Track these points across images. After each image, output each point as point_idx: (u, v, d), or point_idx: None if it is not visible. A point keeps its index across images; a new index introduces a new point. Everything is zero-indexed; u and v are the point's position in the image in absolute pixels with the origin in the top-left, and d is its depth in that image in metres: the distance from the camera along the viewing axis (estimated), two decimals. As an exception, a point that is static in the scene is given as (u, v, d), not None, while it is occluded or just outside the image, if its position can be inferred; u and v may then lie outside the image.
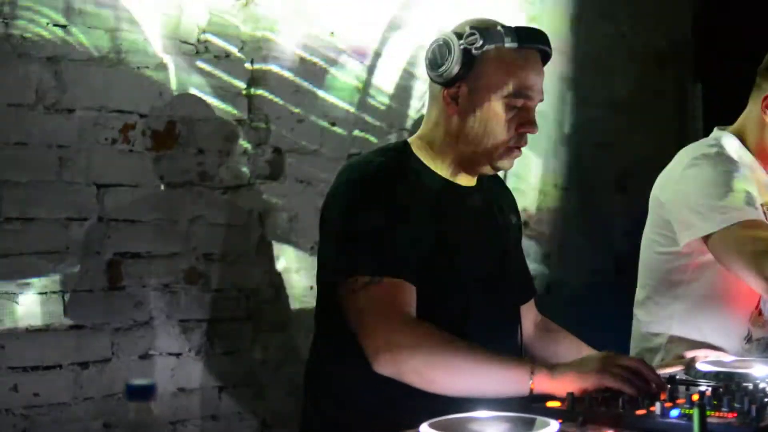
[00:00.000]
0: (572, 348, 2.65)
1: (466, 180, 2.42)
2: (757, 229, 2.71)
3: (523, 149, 2.38)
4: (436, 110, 2.38)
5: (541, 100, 2.36)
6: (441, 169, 2.38)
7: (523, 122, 2.32)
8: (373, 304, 2.16)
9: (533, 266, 4.45)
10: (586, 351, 2.61)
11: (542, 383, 2.10)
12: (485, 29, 2.29)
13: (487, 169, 2.39)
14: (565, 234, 4.69)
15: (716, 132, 2.98)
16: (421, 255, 2.24)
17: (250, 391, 3.46)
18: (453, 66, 2.27)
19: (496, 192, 2.56)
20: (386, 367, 2.14)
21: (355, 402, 2.27)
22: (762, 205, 2.83)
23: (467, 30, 2.29)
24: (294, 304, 3.54)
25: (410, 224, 2.23)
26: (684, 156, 2.94)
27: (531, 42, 2.32)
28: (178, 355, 3.27)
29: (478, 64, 2.28)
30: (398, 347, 2.13)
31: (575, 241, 4.72)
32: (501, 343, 2.36)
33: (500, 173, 2.55)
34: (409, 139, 2.44)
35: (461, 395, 2.10)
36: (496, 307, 2.42)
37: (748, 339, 2.93)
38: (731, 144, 2.90)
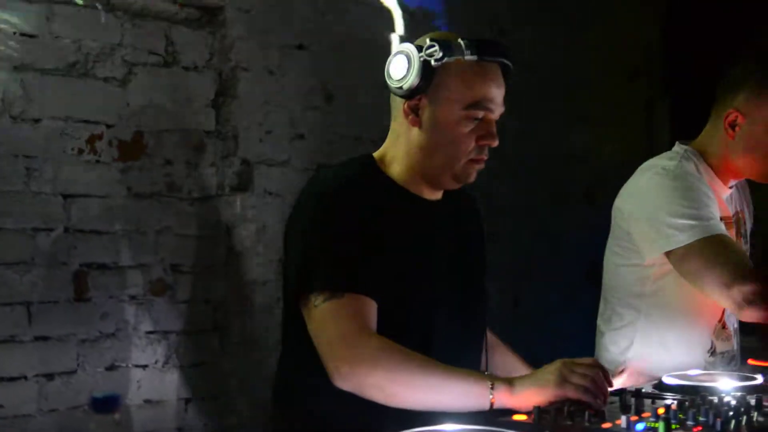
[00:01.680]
0: (504, 362, 2.63)
1: (430, 194, 2.41)
2: (721, 243, 2.72)
3: (493, 163, 2.37)
4: (397, 123, 2.37)
5: (502, 113, 2.37)
6: (405, 182, 2.37)
7: (483, 134, 2.30)
8: (334, 319, 2.16)
9: (502, 279, 4.46)
10: (519, 366, 2.60)
11: (502, 398, 2.10)
12: (445, 41, 2.29)
13: (449, 183, 2.37)
14: (533, 246, 4.70)
15: (677, 146, 2.99)
16: (385, 270, 2.23)
17: (216, 404, 3.44)
18: (413, 78, 2.27)
19: (460, 204, 2.55)
20: (347, 382, 2.15)
21: (322, 415, 2.26)
22: (721, 219, 2.85)
23: (427, 42, 2.29)
24: (262, 316, 3.53)
25: (374, 239, 2.23)
26: (645, 169, 2.95)
27: (491, 55, 2.32)
28: (144, 366, 3.25)
29: (438, 76, 2.28)
30: (359, 363, 2.13)
31: (544, 253, 4.74)
32: (465, 356, 2.36)
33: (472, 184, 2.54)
34: (374, 153, 2.44)
35: (423, 409, 2.10)
36: (460, 321, 2.40)
37: (712, 352, 2.94)
38: (692, 158, 2.92)
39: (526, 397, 2.08)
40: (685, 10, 5.15)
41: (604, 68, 5.01)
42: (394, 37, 3.98)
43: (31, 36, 2.99)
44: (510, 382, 2.13)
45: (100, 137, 3.15)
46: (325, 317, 2.18)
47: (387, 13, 3.99)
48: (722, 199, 2.92)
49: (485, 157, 2.34)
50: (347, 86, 3.84)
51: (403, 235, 2.31)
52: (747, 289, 2.62)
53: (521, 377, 2.18)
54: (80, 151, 3.11)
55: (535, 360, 4.49)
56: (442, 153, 2.31)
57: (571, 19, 4.84)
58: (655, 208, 2.81)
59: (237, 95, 3.49)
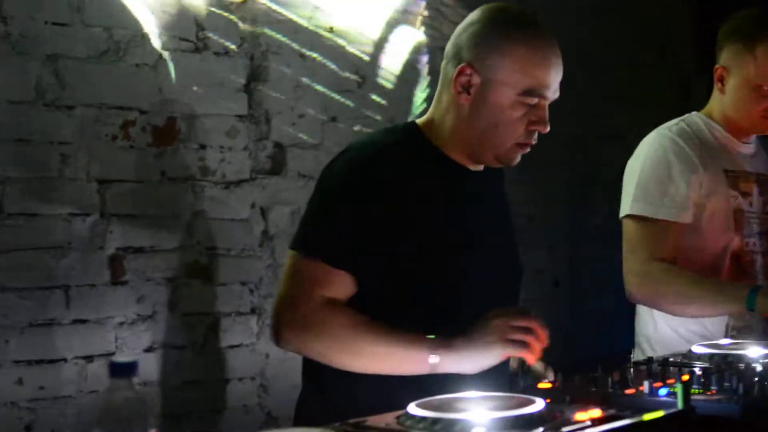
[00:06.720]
0: None
1: (473, 164, 2.37)
2: (649, 226, 2.85)
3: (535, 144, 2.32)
4: (447, 96, 2.30)
5: (557, 97, 2.29)
6: (450, 150, 2.31)
7: (534, 120, 2.23)
8: (293, 277, 2.17)
9: (542, 261, 4.47)
10: None
11: (444, 363, 2.10)
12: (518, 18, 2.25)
13: (491, 162, 2.31)
14: (572, 227, 4.69)
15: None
16: (415, 235, 2.20)
17: (254, 384, 3.48)
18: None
19: (497, 177, 2.51)
20: (289, 344, 2.16)
21: (343, 387, 2.26)
22: (729, 171, 2.96)
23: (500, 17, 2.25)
24: (297, 298, 3.56)
25: (399, 209, 2.20)
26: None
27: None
28: (182, 348, 3.30)
29: (494, 56, 2.21)
30: (306, 329, 2.13)
31: (583, 233, 4.73)
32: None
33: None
34: (418, 121, 2.38)
35: (366, 372, 2.15)
36: (492, 293, 2.36)
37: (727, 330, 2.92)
38: (695, 119, 3.02)
39: (468, 360, 2.10)
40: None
41: (636, 46, 4.98)
42: (423, 20, 4.00)
43: (62, 24, 3.04)
44: (448, 345, 2.11)
45: (133, 123, 3.20)
46: (287, 272, 2.19)
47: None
48: (738, 153, 3.03)
49: (533, 142, 2.27)
50: (379, 69, 3.86)
51: (439, 199, 2.27)
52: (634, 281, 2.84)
53: (462, 340, 2.12)
54: (114, 137, 3.15)
55: (570, 342, 4.49)
56: (489, 134, 2.25)
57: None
58: (630, 174, 3.00)
59: (268, 79, 3.53)
